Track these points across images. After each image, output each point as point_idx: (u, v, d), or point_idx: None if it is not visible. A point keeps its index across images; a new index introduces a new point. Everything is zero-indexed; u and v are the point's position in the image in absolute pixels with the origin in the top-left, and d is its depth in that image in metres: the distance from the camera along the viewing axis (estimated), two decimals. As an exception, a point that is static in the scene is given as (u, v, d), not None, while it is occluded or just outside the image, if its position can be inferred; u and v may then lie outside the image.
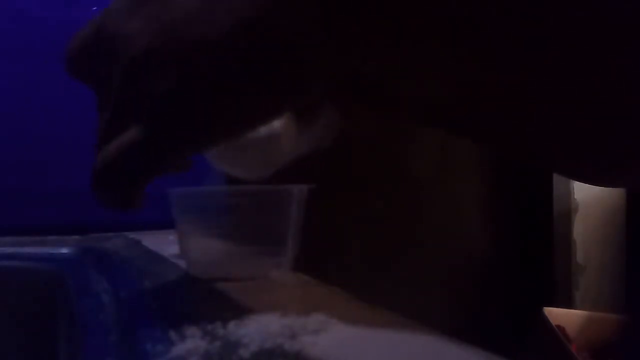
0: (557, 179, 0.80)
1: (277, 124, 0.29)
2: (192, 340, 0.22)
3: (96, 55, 0.25)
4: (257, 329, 0.23)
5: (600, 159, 0.22)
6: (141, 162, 0.24)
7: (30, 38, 0.84)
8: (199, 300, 0.31)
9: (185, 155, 0.25)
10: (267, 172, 0.32)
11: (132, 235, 0.62)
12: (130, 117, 0.24)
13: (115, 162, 0.23)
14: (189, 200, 0.35)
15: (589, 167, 0.24)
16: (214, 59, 0.21)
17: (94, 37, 0.25)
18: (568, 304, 0.80)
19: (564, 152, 0.23)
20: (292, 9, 0.20)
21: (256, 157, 0.31)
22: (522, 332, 0.54)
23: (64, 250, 0.57)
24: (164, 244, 0.50)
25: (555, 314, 0.65)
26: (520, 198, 0.55)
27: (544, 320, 0.61)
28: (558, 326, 0.63)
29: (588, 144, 0.22)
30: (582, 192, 0.86)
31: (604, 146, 0.22)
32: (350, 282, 0.32)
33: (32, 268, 0.55)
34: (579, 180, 0.26)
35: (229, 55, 0.21)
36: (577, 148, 0.22)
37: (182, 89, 0.22)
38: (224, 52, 0.21)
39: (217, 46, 0.21)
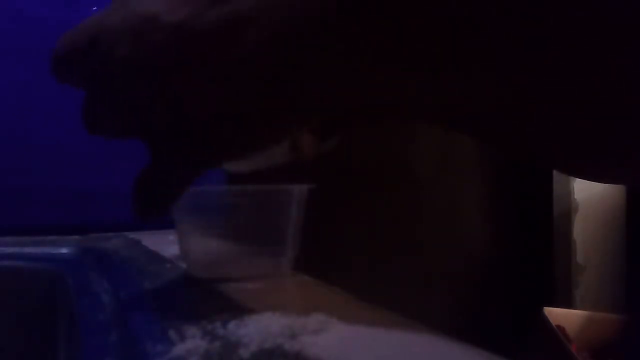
0: (557, 179, 0.80)
1: None
2: (192, 340, 0.22)
3: (93, 58, 0.25)
4: (257, 329, 0.23)
5: (601, 158, 0.22)
6: (161, 187, 0.26)
7: (30, 38, 0.84)
8: (199, 300, 0.31)
9: (197, 175, 0.26)
10: (261, 166, 0.32)
11: (132, 235, 0.62)
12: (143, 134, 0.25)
13: (140, 190, 0.26)
14: (189, 200, 0.35)
15: (589, 166, 0.24)
16: (232, 82, 0.22)
17: (92, 40, 0.25)
18: (568, 304, 0.80)
19: (564, 151, 0.23)
20: (305, 17, 0.20)
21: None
22: (522, 332, 0.54)
23: (64, 250, 0.57)
24: (164, 244, 0.50)
25: (555, 314, 0.65)
26: (520, 198, 0.55)
27: (544, 320, 0.61)
28: (558, 326, 0.63)
29: (588, 144, 0.22)
30: (582, 192, 0.86)
31: (604, 146, 0.22)
32: (350, 282, 0.32)
33: (32, 268, 0.55)
34: (579, 177, 0.26)
35: (248, 76, 0.21)
36: (578, 148, 0.22)
37: (198, 111, 0.23)
38: (244, 74, 0.21)
39: (238, 70, 0.21)
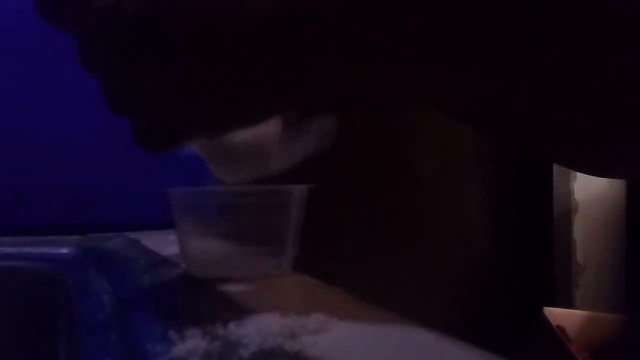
0: (557, 179, 0.80)
1: (268, 131, 0.30)
2: (192, 340, 0.22)
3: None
4: (257, 329, 0.23)
5: (600, 156, 0.22)
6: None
7: (30, 38, 0.84)
8: (199, 300, 0.31)
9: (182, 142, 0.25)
10: (253, 176, 0.32)
11: (132, 235, 0.62)
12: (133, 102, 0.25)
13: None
14: (189, 200, 0.35)
15: (589, 163, 0.24)
16: (229, 51, 0.21)
17: None
18: (568, 304, 0.80)
19: (563, 150, 0.23)
20: (310, 8, 0.20)
21: (244, 162, 0.31)
22: (522, 332, 0.54)
23: (64, 250, 0.57)
24: (164, 244, 0.50)
25: (555, 314, 0.64)
26: (521, 198, 0.55)
27: (544, 320, 0.61)
28: (558, 326, 0.63)
29: (588, 144, 0.22)
30: (582, 192, 0.86)
31: (604, 146, 0.22)
32: (350, 282, 0.32)
33: (32, 268, 0.55)
34: (579, 171, 0.26)
35: (246, 47, 0.21)
36: (577, 147, 0.22)
37: (190, 77, 0.22)
38: (242, 44, 0.21)
39: (236, 38, 0.21)
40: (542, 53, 0.19)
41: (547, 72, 0.19)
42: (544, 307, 0.63)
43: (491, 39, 0.19)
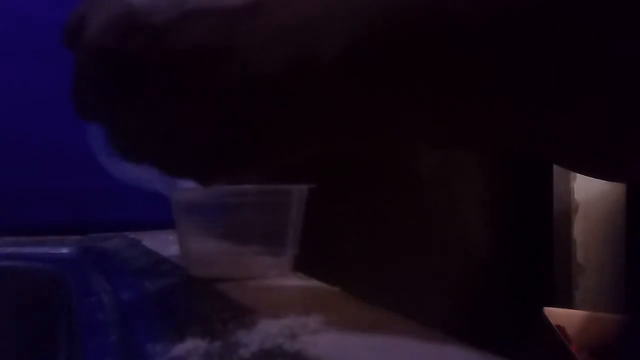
0: (557, 179, 0.80)
1: None
2: (192, 340, 0.22)
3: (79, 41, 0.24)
4: (257, 328, 0.23)
5: (600, 156, 0.22)
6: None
7: (30, 38, 0.84)
8: (199, 300, 0.31)
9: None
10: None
11: (132, 235, 0.62)
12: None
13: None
14: (189, 200, 0.35)
15: (589, 162, 0.24)
16: (257, 99, 0.21)
17: (80, 22, 0.24)
18: (568, 304, 0.80)
19: (563, 151, 0.23)
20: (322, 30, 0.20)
21: None
22: (522, 332, 0.54)
23: (64, 250, 0.57)
24: (164, 244, 0.50)
25: (555, 314, 0.64)
26: (521, 198, 0.55)
27: (544, 320, 0.61)
28: (558, 326, 0.63)
29: (588, 144, 0.22)
30: (582, 192, 0.86)
31: (604, 145, 0.22)
32: (350, 282, 0.32)
33: (32, 268, 0.55)
34: (578, 172, 0.26)
35: (273, 96, 0.21)
36: (577, 147, 0.22)
37: (218, 127, 0.22)
38: (268, 92, 0.21)
39: (265, 86, 0.20)
40: (543, 53, 0.19)
41: (548, 72, 0.19)
42: (544, 307, 0.63)
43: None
